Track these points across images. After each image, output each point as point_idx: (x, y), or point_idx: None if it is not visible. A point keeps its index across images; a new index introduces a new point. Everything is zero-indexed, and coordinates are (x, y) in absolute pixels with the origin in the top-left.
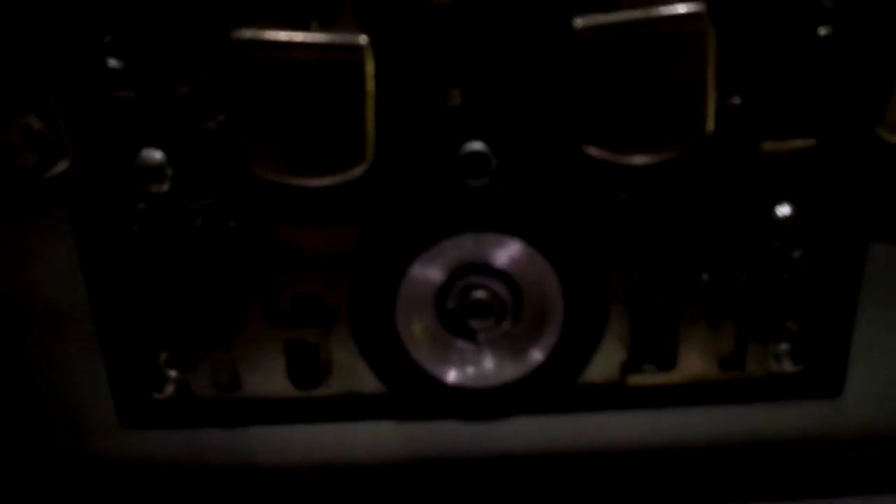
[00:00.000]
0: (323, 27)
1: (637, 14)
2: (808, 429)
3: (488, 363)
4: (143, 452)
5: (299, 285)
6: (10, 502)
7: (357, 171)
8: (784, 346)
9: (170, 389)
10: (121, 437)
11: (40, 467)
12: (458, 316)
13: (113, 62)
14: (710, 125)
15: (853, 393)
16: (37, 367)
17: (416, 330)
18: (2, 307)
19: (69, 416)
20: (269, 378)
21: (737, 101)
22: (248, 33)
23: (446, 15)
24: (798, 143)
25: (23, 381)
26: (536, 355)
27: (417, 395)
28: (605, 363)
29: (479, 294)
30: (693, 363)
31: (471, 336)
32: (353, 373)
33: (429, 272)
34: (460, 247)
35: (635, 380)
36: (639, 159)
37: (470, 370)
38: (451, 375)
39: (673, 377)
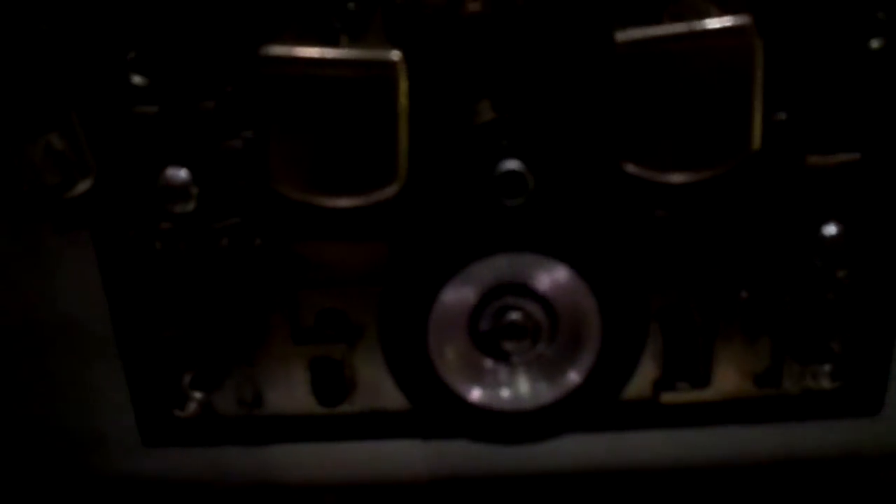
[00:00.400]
0: (352, 42)
1: (680, 27)
2: (846, 447)
3: (523, 385)
4: (166, 470)
5: (323, 301)
6: None
7: (389, 191)
8: (827, 367)
9: (192, 407)
10: (143, 455)
11: (63, 485)
12: (491, 338)
13: (137, 79)
14: (756, 142)
15: (893, 410)
16: (59, 385)
17: (448, 352)
18: (25, 326)
19: (92, 434)
20: (293, 395)
21: (782, 116)
22: (277, 49)
23: (480, 26)
24: (843, 157)
25: (46, 399)
26: (573, 377)
27: (449, 418)
28: (637, 380)
29: (514, 316)
30: (728, 380)
31: (504, 358)
32: (377, 389)
33: (462, 293)
34: (495, 267)
35: (668, 397)
36: (681, 177)
37: (504, 392)
38: (485, 398)
39: (707, 394)
